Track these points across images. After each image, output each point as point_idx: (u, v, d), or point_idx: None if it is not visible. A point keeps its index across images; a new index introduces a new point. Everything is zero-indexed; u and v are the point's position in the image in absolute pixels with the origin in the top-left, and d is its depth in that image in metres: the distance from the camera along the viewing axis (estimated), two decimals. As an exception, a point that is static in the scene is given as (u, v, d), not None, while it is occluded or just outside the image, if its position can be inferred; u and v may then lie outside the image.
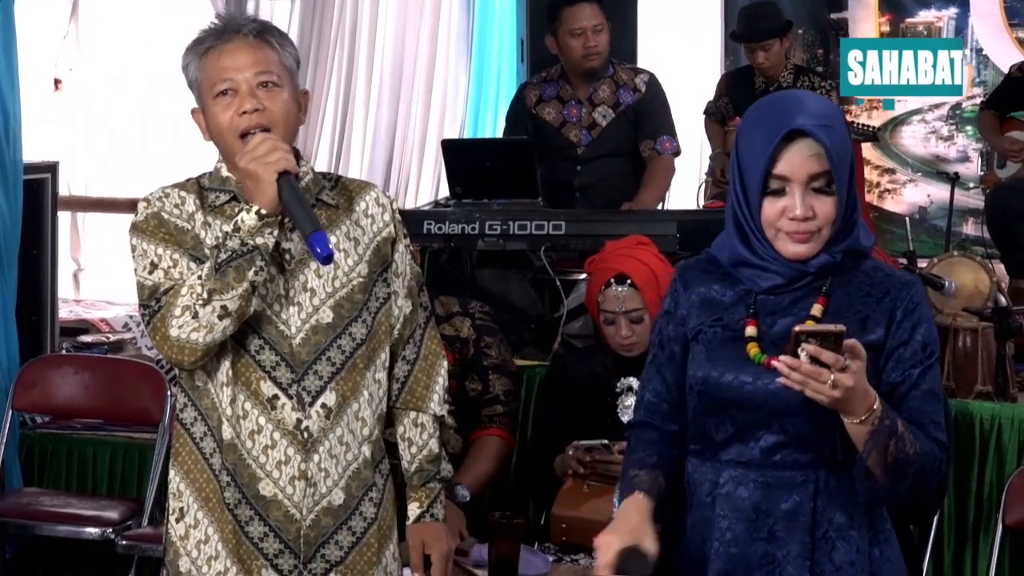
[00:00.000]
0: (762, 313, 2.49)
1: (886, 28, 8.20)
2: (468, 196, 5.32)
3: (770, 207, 2.44)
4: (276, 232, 2.61)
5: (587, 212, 5.42)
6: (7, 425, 4.90)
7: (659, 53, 8.37)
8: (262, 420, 2.69)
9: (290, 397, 2.69)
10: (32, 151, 5.60)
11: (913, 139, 8.21)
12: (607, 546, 2.46)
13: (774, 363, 2.34)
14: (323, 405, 2.70)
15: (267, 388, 2.69)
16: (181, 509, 2.78)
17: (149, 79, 8.57)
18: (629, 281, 3.92)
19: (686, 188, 7.26)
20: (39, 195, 5.49)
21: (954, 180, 7.14)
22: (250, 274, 2.58)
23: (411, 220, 4.48)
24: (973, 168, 7.81)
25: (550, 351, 4.81)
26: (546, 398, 4.27)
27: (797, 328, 2.31)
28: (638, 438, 2.66)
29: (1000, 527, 4.13)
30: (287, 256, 2.69)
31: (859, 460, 2.39)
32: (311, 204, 2.69)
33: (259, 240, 2.59)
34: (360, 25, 7.94)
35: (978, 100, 7.76)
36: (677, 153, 5.65)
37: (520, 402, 4.36)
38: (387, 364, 2.84)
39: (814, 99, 2.50)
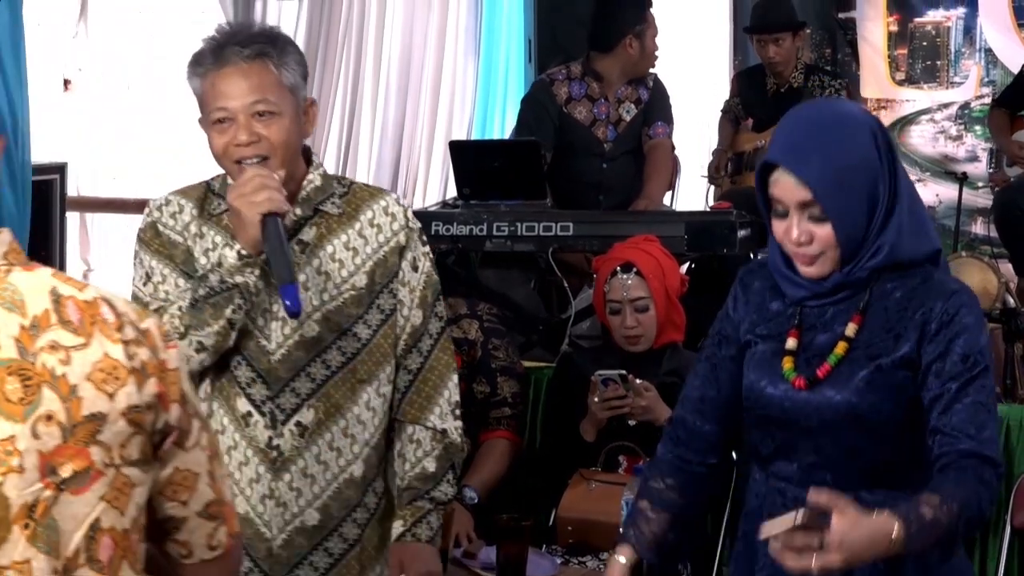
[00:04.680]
0: (805, 326, 2.46)
1: (894, 28, 8.19)
2: (476, 197, 5.32)
3: (776, 226, 2.42)
4: (257, 271, 2.57)
5: (595, 213, 5.42)
6: (16, 426, 4.90)
7: (667, 52, 8.36)
8: (237, 436, 2.66)
9: (263, 415, 2.65)
10: (41, 151, 5.61)
11: (922, 139, 8.20)
12: None
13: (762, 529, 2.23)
14: (298, 423, 2.65)
15: (242, 404, 2.66)
16: None
17: (159, 79, 8.58)
18: (635, 269, 3.93)
19: (694, 189, 7.25)
20: (47, 196, 5.50)
21: (962, 180, 7.13)
22: (227, 312, 2.56)
23: (418, 221, 4.47)
24: (982, 168, 7.80)
25: (558, 352, 4.81)
26: (554, 399, 4.27)
27: None
28: (665, 449, 2.64)
29: (1008, 529, 4.12)
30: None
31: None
32: (310, 215, 2.68)
33: (239, 279, 2.56)
34: (367, 25, 7.93)
35: (987, 100, 7.75)
36: (670, 137, 5.69)
37: (528, 403, 4.36)
38: (392, 378, 2.75)
39: (808, 124, 2.41)
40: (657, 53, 5.66)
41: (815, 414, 2.41)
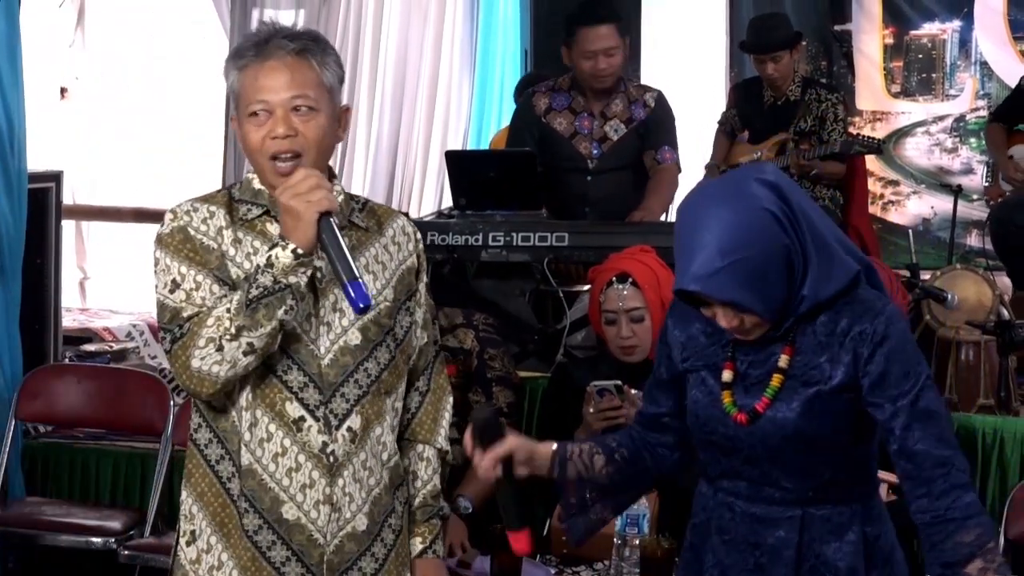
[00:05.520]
0: (739, 355, 2.52)
1: (890, 40, 8.21)
2: (472, 207, 5.32)
3: (704, 310, 2.47)
4: (309, 272, 2.55)
5: (590, 224, 5.41)
6: (10, 434, 4.90)
7: (663, 65, 8.38)
8: (287, 442, 2.63)
9: (316, 419, 2.63)
10: (38, 159, 5.62)
11: (917, 151, 8.22)
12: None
13: None
14: (349, 428, 2.64)
15: (293, 410, 2.63)
16: (193, 532, 2.72)
17: (159, 79, 8.58)
18: (631, 279, 3.93)
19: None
20: (43, 204, 5.50)
21: (957, 192, 7.14)
22: (280, 313, 2.53)
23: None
24: (977, 180, 7.81)
25: (553, 362, 4.81)
26: (549, 408, 4.27)
27: None
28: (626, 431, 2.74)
29: (1003, 541, 4.13)
30: (319, 275, 2.63)
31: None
32: (344, 226, 2.67)
33: (292, 279, 2.53)
34: (363, 35, 7.95)
35: (982, 112, 7.77)
36: (677, 164, 5.64)
37: (523, 413, 4.36)
38: (403, 393, 2.79)
39: (706, 241, 2.37)
40: (605, 71, 5.42)
41: (759, 444, 2.48)
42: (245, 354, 2.54)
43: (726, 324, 2.42)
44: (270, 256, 2.53)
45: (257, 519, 2.65)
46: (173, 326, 2.60)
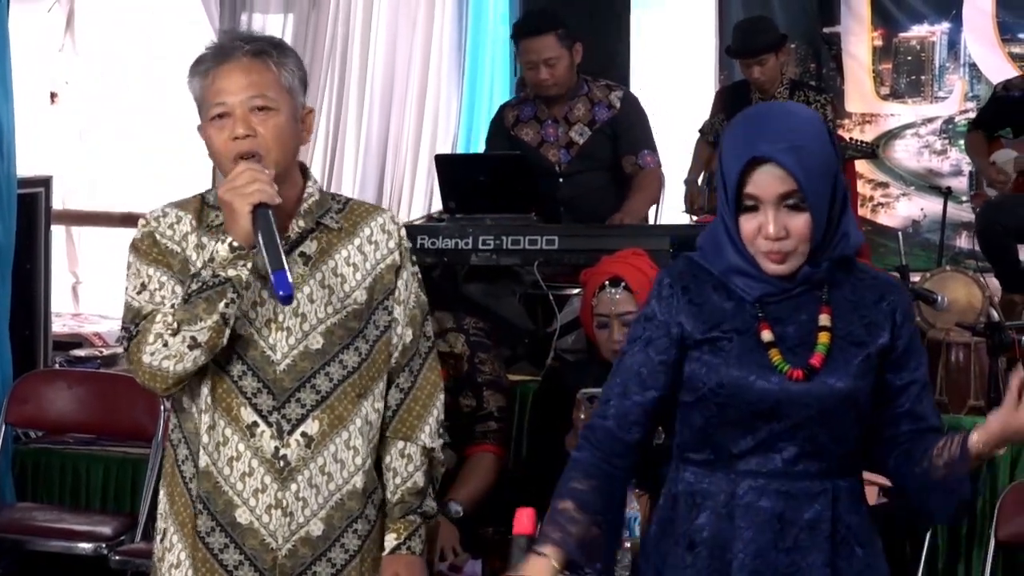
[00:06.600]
0: (769, 319, 2.49)
1: (879, 43, 8.22)
2: (462, 211, 5.32)
3: (747, 224, 2.45)
4: (250, 265, 2.58)
5: (580, 227, 5.41)
6: (0, 440, 4.90)
7: (652, 69, 8.38)
8: (241, 447, 2.67)
9: (269, 425, 2.66)
10: (28, 164, 5.61)
11: (906, 153, 8.23)
12: None
13: None
14: (303, 434, 2.67)
15: (247, 415, 2.67)
16: (164, 530, 2.78)
17: (146, 91, 8.57)
18: (623, 284, 3.93)
19: (678, 203, 7.26)
20: (32, 209, 5.50)
21: (947, 194, 7.15)
22: (220, 306, 2.56)
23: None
24: (966, 182, 7.83)
25: (543, 366, 4.81)
26: (540, 412, 4.27)
27: None
28: (585, 453, 2.57)
29: (992, 542, 4.14)
30: None
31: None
32: (312, 228, 2.70)
33: (231, 272, 2.57)
34: (352, 40, 7.95)
35: (971, 114, 7.78)
36: (660, 165, 5.66)
37: (514, 417, 4.36)
38: (384, 393, 2.78)
39: (785, 116, 2.49)
40: (546, 80, 5.46)
41: (815, 403, 2.45)
42: (190, 348, 2.58)
43: (773, 230, 2.41)
44: (212, 251, 2.58)
45: (210, 521, 2.69)
46: (131, 324, 2.68)
